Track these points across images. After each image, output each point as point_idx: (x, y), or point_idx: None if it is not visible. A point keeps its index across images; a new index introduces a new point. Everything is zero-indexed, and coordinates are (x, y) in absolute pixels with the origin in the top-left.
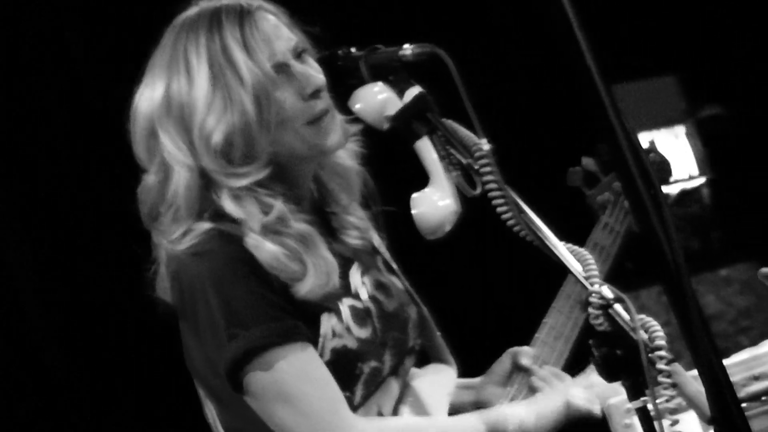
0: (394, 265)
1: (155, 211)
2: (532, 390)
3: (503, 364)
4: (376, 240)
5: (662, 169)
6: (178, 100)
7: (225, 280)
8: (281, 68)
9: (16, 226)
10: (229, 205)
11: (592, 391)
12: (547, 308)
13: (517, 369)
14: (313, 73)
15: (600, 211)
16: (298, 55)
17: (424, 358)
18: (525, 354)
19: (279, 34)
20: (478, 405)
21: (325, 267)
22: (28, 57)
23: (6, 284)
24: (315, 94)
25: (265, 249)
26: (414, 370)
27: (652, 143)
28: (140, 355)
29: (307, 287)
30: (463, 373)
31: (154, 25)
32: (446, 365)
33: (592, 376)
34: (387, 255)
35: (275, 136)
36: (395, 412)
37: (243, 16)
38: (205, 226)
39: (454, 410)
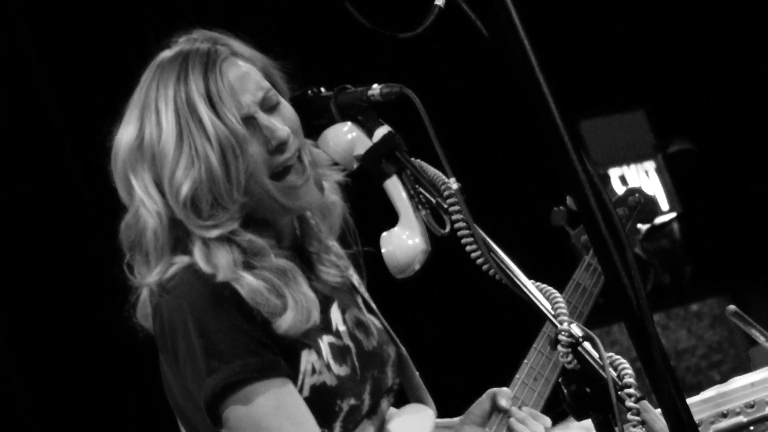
0: (373, 305)
1: (133, 248)
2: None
3: (482, 404)
4: (356, 279)
5: (648, 209)
6: (150, 147)
7: (205, 314)
8: (248, 121)
9: None
10: (198, 255)
11: None
12: (526, 348)
13: (496, 410)
14: (278, 125)
15: (583, 251)
16: (268, 105)
17: (402, 398)
18: (504, 395)
19: (246, 85)
20: None
21: (306, 303)
22: None
23: None
24: (279, 148)
25: (247, 282)
26: (392, 410)
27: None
28: (121, 387)
29: (288, 322)
30: (441, 413)
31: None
32: (424, 405)
33: (570, 425)
34: (366, 294)
35: (247, 187)
36: None
37: (209, 67)
38: (186, 260)
39: None
